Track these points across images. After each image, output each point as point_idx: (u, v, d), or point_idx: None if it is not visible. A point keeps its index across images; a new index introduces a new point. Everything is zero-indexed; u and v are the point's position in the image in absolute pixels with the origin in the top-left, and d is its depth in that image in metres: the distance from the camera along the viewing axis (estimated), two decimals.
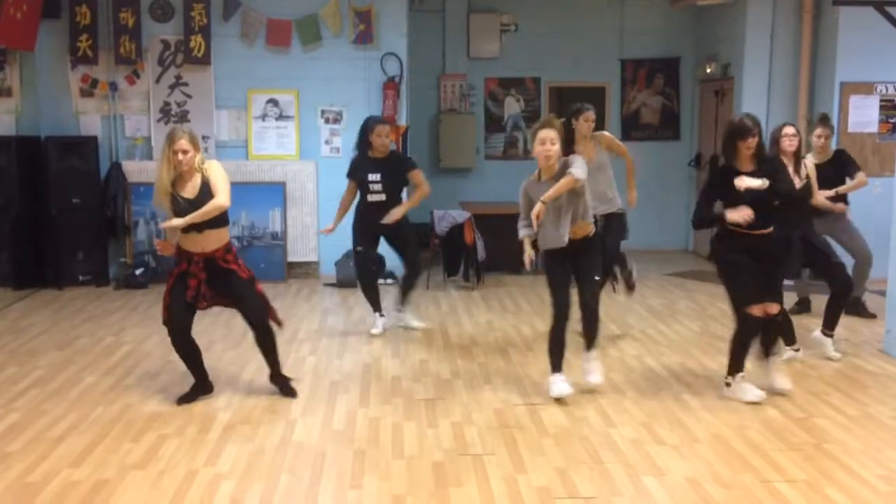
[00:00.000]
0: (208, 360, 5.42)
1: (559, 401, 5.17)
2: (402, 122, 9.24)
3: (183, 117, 9.02)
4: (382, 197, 6.60)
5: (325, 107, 9.16)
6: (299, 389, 5.40)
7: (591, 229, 5.29)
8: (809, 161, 6.29)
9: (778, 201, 4.99)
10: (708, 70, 10.60)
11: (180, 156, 4.89)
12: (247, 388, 5.48)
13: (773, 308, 5.16)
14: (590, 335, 5.42)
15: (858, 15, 7.90)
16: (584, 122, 6.67)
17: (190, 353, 5.18)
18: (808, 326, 6.66)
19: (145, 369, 5.87)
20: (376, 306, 6.92)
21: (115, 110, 9.02)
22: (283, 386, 5.33)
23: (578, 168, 5.00)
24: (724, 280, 5.20)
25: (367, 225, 6.70)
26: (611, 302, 8.16)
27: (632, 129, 11.36)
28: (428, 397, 5.30)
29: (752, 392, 5.16)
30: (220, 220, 5.03)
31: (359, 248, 6.83)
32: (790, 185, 5.12)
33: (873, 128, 8.93)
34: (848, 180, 6.90)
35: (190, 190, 4.98)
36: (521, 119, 11.22)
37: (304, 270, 9.22)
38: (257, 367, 5.91)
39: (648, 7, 10.98)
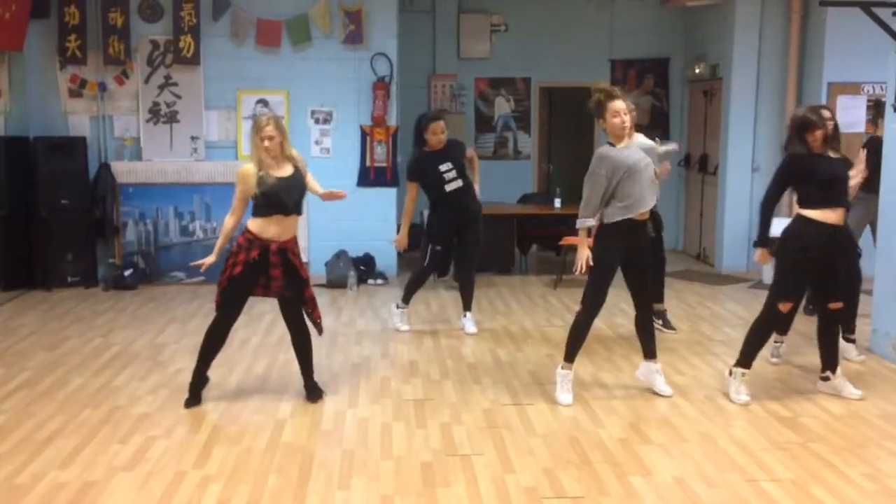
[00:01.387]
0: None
1: (553, 399, 5.19)
2: (392, 122, 9.24)
3: (172, 118, 9.01)
4: (460, 183, 6.67)
5: (315, 107, 9.16)
6: (289, 390, 5.41)
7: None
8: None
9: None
10: (697, 70, 10.64)
11: (266, 143, 4.93)
12: (235, 389, 5.48)
13: (837, 304, 5.26)
14: (652, 342, 5.43)
15: (846, 15, 7.92)
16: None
17: (217, 349, 5.18)
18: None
19: (134, 371, 5.86)
20: (408, 300, 7.04)
21: (104, 111, 9.00)
22: (311, 390, 5.29)
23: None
24: (779, 265, 5.22)
25: (452, 216, 6.73)
26: None
27: None
28: (417, 398, 5.31)
29: (744, 395, 5.22)
30: (302, 206, 5.12)
31: (438, 248, 6.83)
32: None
33: (860, 127, 8.96)
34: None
35: (281, 173, 5.01)
36: (511, 119, 11.26)
37: None
38: (245, 369, 5.92)
39: (638, 8, 11.02)
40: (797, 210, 5.24)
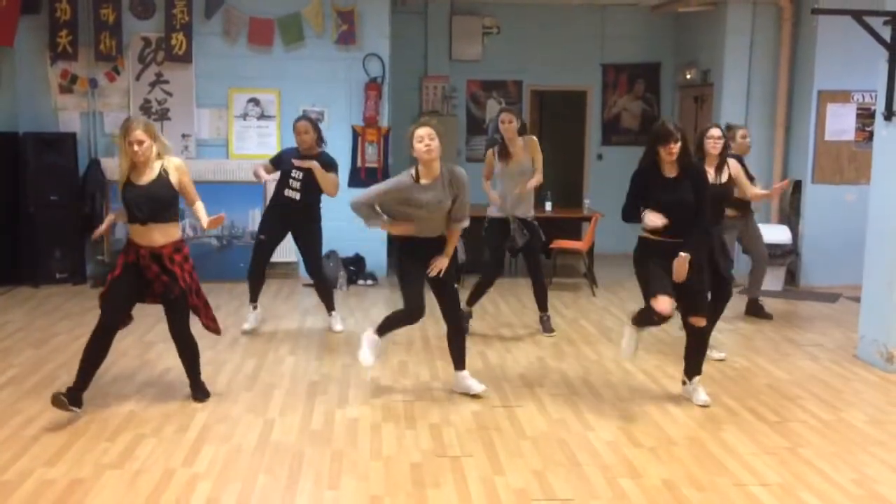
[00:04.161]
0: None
1: (539, 402, 5.20)
2: (384, 123, 9.24)
3: (163, 115, 8.98)
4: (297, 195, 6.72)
5: (306, 107, 9.14)
6: (279, 389, 5.40)
7: None
8: (734, 162, 6.25)
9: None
10: (688, 76, 10.69)
11: (135, 146, 4.77)
12: (224, 387, 5.46)
13: (700, 321, 5.12)
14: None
15: (837, 24, 7.98)
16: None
17: (100, 356, 4.88)
18: (768, 333, 6.73)
19: (122, 368, 5.83)
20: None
21: (94, 107, 8.96)
22: (196, 390, 5.18)
23: None
24: (639, 282, 5.11)
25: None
26: (589, 305, 8.22)
27: (612, 133, 11.44)
28: (406, 399, 5.31)
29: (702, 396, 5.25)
30: (166, 215, 4.88)
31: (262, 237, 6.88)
32: (704, 200, 4.96)
33: (850, 136, 9.03)
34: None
35: (144, 179, 4.85)
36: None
37: (283, 271, 9.19)
38: (235, 367, 5.90)
39: (629, 13, 11.05)
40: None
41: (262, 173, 6.73)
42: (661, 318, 4.90)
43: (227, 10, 8.93)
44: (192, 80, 8.99)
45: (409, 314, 5.20)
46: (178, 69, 8.94)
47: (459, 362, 5.38)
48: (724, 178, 6.03)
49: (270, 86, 9.11)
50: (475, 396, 5.30)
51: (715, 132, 5.98)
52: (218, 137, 9.14)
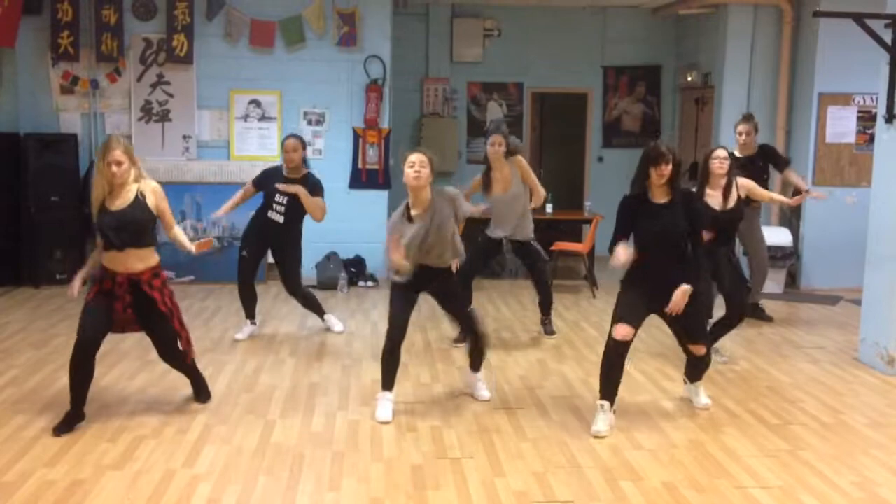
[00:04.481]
0: None
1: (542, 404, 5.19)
2: (385, 125, 9.25)
3: (164, 116, 8.98)
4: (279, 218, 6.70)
5: (307, 108, 9.15)
6: (279, 391, 5.40)
7: None
8: (743, 181, 6.08)
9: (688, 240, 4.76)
10: (689, 78, 10.69)
11: (114, 167, 4.57)
12: (225, 389, 5.46)
13: (700, 349, 5.00)
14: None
15: (838, 26, 7.98)
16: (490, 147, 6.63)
17: (86, 377, 4.74)
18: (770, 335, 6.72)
19: (122, 370, 5.83)
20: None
21: (95, 108, 8.97)
22: (199, 392, 5.18)
23: None
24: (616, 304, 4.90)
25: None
26: (590, 307, 8.22)
27: (613, 136, 11.44)
28: (407, 400, 5.30)
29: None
30: (144, 240, 4.70)
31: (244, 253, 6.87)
32: (700, 227, 4.86)
33: (850, 138, 9.04)
34: (774, 172, 7.44)
35: (119, 203, 4.64)
36: (503, 124, 11.24)
37: None
38: (235, 369, 5.90)
39: (630, 15, 11.06)
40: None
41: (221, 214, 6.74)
42: (616, 344, 4.72)
43: (229, 12, 8.94)
44: (194, 81, 9.00)
45: (389, 337, 5.05)
46: (180, 70, 8.95)
47: (475, 365, 5.38)
48: (733, 202, 5.87)
49: (271, 87, 9.11)
50: (478, 400, 5.31)
51: (721, 153, 5.85)
52: (219, 139, 9.15)
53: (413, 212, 4.93)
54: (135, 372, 5.78)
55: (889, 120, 6.07)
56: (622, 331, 4.71)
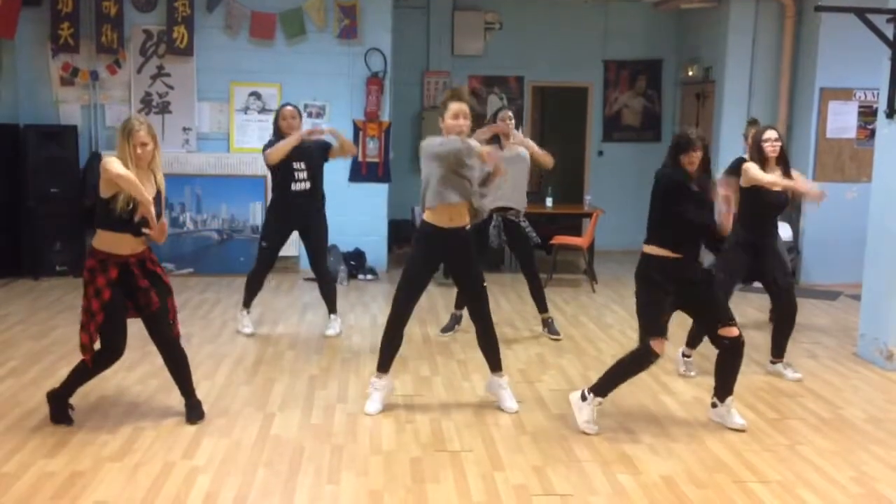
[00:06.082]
0: (188, 353, 5.36)
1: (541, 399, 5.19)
2: (385, 118, 9.24)
3: (164, 108, 8.97)
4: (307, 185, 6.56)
5: (308, 101, 9.14)
6: (279, 383, 5.40)
7: None
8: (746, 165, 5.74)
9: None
10: (690, 73, 10.68)
11: (139, 149, 4.40)
12: (224, 381, 5.46)
13: (733, 330, 4.68)
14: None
15: (839, 21, 7.97)
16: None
17: (94, 376, 4.70)
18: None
19: (122, 361, 5.77)
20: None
21: (95, 100, 8.95)
22: (191, 409, 4.75)
23: None
24: (637, 303, 4.77)
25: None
26: (589, 302, 8.22)
27: (614, 130, 11.42)
28: (406, 393, 5.31)
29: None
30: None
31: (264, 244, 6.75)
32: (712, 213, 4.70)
33: (851, 133, 9.03)
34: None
35: (149, 189, 4.47)
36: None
37: (283, 265, 9.17)
38: (235, 361, 5.90)
39: (632, 9, 11.04)
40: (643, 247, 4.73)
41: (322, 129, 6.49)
42: (655, 358, 4.62)
43: (229, 4, 8.92)
44: (194, 73, 8.99)
45: (393, 318, 4.99)
46: (180, 62, 8.94)
47: (494, 362, 5.08)
48: (795, 178, 5.69)
49: (272, 80, 9.10)
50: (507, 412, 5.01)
51: (772, 133, 5.56)
52: (219, 131, 9.14)
53: None
54: (134, 363, 5.77)
55: (890, 115, 6.06)
56: (662, 346, 4.59)
